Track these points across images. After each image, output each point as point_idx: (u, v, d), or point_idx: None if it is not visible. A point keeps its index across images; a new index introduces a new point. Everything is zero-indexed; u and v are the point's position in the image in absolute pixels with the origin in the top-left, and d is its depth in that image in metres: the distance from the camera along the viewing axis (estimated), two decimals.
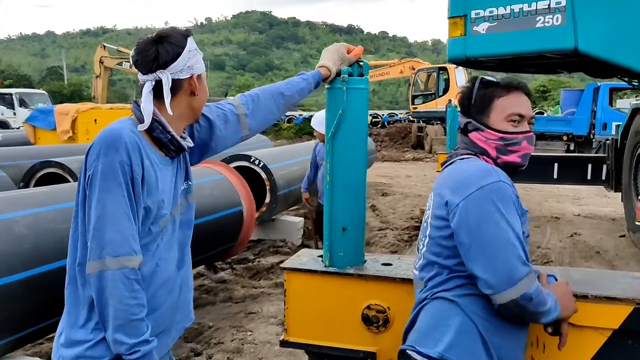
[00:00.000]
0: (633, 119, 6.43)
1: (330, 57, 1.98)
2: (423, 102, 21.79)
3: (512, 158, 1.65)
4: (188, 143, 1.71)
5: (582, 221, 8.48)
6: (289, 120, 29.36)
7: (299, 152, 7.87)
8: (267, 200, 6.72)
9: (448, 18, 5.39)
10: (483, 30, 4.96)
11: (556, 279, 1.72)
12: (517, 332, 1.61)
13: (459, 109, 1.78)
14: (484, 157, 1.68)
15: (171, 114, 1.59)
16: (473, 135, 1.71)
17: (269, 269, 6.18)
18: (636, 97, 18.50)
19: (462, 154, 1.71)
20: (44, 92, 27.87)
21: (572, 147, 15.37)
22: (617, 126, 7.41)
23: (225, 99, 2.05)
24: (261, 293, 5.40)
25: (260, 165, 6.70)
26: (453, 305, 1.59)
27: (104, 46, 25.09)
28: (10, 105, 24.28)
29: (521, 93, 1.69)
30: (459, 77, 21.08)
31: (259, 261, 6.48)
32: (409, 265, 2.10)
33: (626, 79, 5.34)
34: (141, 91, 1.62)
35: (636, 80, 5.22)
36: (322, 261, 2.12)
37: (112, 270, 1.46)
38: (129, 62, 23.94)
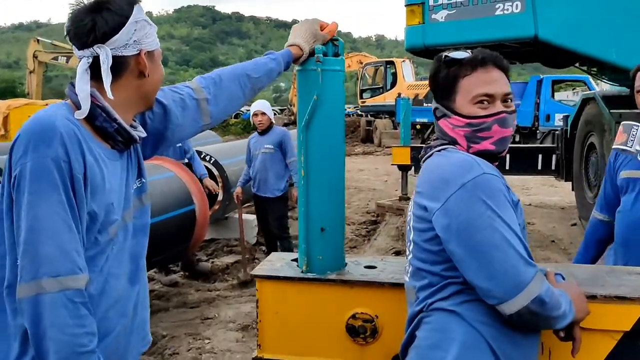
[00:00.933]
0: (583, 109, 6.50)
1: (302, 35, 1.73)
2: (371, 96, 21.84)
3: (485, 146, 1.44)
4: (140, 133, 1.42)
5: (534, 211, 8.59)
6: (236, 116, 28.81)
7: None
8: (220, 197, 6.40)
9: (405, 5, 5.23)
10: (442, 18, 4.84)
11: (563, 278, 1.55)
12: (528, 337, 1.43)
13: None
14: (458, 146, 1.48)
15: (112, 98, 1.30)
16: (442, 123, 1.51)
17: (224, 270, 5.89)
18: (573, 90, 19.18)
19: (437, 145, 1.51)
20: None
21: (517, 139, 15.71)
22: (566, 117, 7.50)
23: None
24: (217, 296, 5.11)
25: (211, 162, 6.38)
26: (453, 316, 1.39)
27: (38, 40, 23.84)
28: None
29: (490, 68, 1.45)
30: (406, 70, 21.26)
31: (213, 262, 6.17)
32: (395, 267, 1.90)
33: (584, 68, 5.36)
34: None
35: (595, 68, 5.24)
36: (297, 266, 1.89)
37: (51, 293, 1.16)
38: (65, 56, 22.86)
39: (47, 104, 12.54)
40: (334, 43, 1.80)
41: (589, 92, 6.70)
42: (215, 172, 6.37)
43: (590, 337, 1.58)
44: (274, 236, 5.53)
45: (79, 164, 1.23)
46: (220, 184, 6.38)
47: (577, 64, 5.25)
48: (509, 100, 1.47)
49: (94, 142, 1.30)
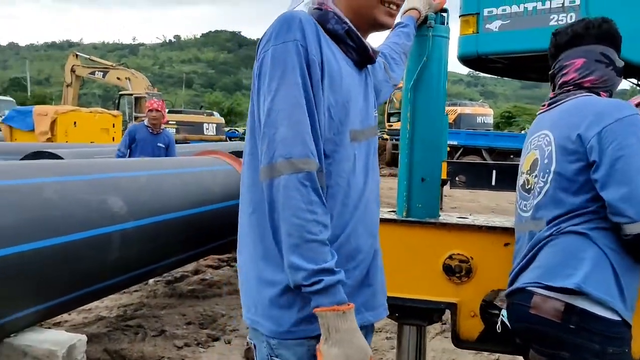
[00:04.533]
0: None
1: (420, 0, 1.96)
2: (398, 120, 22.05)
3: None
4: (375, 49, 1.40)
5: None
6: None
7: None
8: None
9: (460, 16, 5.51)
10: (496, 28, 5.07)
11: None
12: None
13: None
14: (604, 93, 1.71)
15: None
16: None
17: None
18: None
19: (576, 93, 1.71)
20: (11, 99, 27.10)
21: None
22: None
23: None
24: None
25: None
26: (585, 239, 1.55)
27: (77, 55, 24.60)
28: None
29: None
30: None
31: None
32: (485, 218, 2.08)
33: (634, 80, 5.50)
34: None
35: None
36: (396, 214, 2.09)
37: (285, 175, 1.15)
38: (102, 72, 23.60)
39: (91, 112, 13.04)
40: (442, 13, 2.02)
41: None
42: None
43: None
44: None
45: (316, 50, 1.22)
46: None
47: (628, 78, 5.40)
48: None
49: (334, 46, 1.32)
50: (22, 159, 5.89)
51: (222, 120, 22.80)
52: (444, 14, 2.03)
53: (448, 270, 1.95)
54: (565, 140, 1.62)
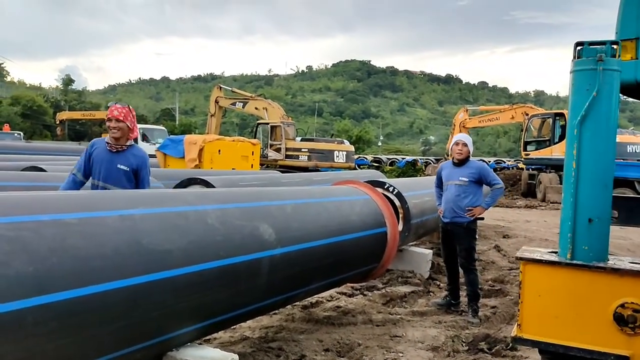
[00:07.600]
0: None
1: None
2: (536, 149, 20.92)
3: None
4: None
5: None
6: (392, 163, 29.31)
7: (428, 184, 7.73)
8: (400, 228, 6.59)
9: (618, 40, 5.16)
10: None
11: None
12: None
13: None
14: None
15: None
16: None
17: (402, 297, 6.02)
18: None
19: None
20: (163, 128, 29.91)
21: None
22: None
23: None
24: (400, 319, 5.24)
25: (394, 193, 6.64)
26: None
27: (220, 87, 26.56)
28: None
29: None
30: None
31: (390, 290, 6.34)
32: None
33: None
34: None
35: None
36: (558, 255, 1.99)
37: None
38: (242, 102, 25.25)
39: (234, 141, 13.99)
40: (613, 45, 1.92)
41: None
42: (397, 203, 6.61)
43: None
44: (460, 267, 5.56)
45: None
46: (401, 215, 6.59)
47: None
48: None
49: None
50: (177, 185, 6.47)
51: (352, 148, 23.17)
52: (615, 46, 1.93)
53: (620, 320, 1.81)
54: None
